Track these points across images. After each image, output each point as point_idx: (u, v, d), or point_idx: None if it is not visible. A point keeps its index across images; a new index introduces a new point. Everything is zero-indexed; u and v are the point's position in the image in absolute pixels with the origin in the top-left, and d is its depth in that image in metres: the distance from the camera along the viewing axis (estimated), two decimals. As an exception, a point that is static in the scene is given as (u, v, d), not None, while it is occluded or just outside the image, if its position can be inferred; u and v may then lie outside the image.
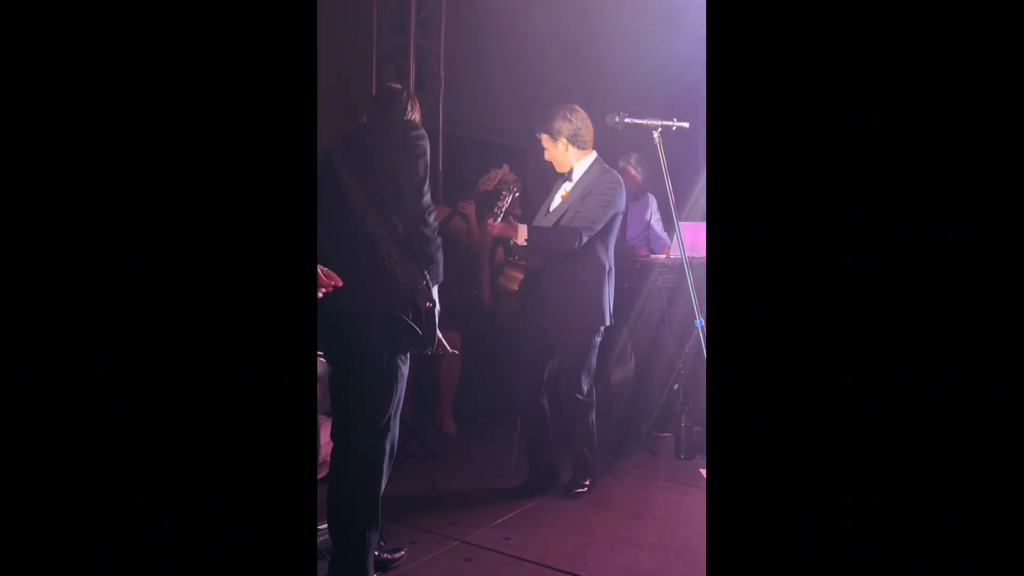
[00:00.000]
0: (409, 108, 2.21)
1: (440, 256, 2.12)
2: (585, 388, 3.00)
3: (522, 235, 2.83)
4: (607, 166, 3.04)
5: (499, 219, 2.86)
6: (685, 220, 3.85)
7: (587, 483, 3.11)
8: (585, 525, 2.80)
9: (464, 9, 4.65)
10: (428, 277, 2.06)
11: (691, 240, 3.46)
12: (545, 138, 2.98)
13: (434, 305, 2.05)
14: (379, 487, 2.11)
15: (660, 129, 2.26)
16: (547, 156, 3.03)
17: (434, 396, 4.11)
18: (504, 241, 3.10)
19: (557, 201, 3.02)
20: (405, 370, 2.14)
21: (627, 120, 2.27)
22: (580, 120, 2.96)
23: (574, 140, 2.96)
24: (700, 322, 2.20)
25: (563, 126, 2.95)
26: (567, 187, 3.01)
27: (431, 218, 2.09)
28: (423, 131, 2.14)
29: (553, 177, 3.16)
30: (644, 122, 2.26)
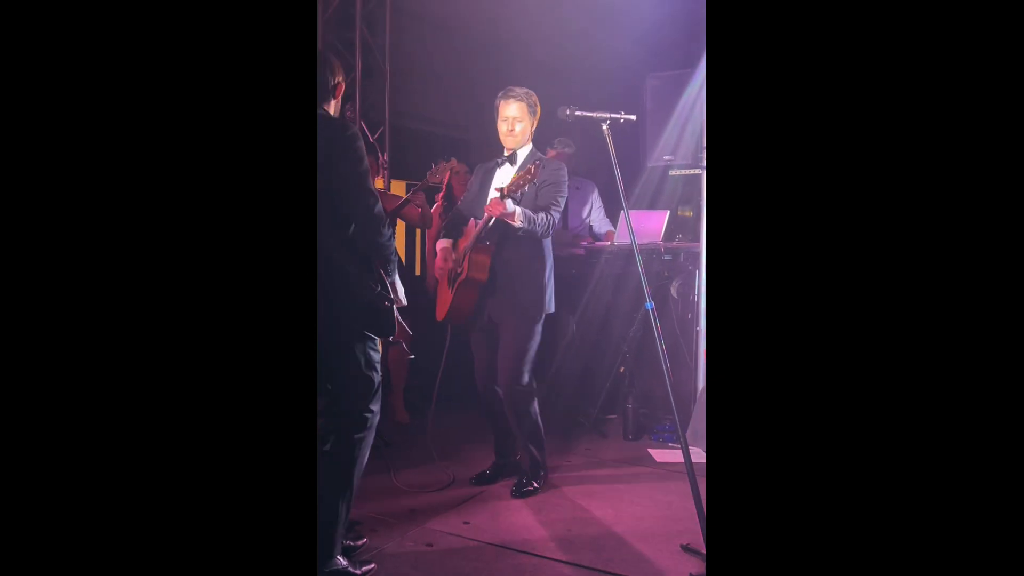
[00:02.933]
0: (332, 76, 2.20)
1: (395, 253, 2.20)
2: (526, 378, 2.93)
3: (519, 218, 2.72)
4: (545, 157, 3.00)
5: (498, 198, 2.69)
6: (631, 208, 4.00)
7: (535, 485, 3.02)
8: (542, 507, 2.88)
9: (408, 3, 4.65)
10: (384, 277, 2.13)
11: (637, 227, 3.55)
12: (523, 108, 2.87)
13: (392, 303, 2.14)
14: (355, 463, 2.19)
15: (608, 121, 2.34)
16: (511, 125, 2.89)
17: (385, 385, 4.12)
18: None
19: (502, 183, 2.89)
20: (377, 356, 2.23)
21: (577, 113, 2.34)
22: (539, 107, 2.93)
23: (534, 123, 2.93)
24: (651, 304, 2.29)
25: (536, 104, 2.90)
26: (510, 170, 2.94)
27: (385, 228, 2.13)
28: (356, 130, 2.14)
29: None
30: (593, 115, 2.34)
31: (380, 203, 2.14)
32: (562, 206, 2.92)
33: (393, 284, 2.21)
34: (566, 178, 2.94)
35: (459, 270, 2.90)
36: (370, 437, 2.23)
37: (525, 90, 2.90)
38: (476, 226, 2.86)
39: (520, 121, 2.88)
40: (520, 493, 2.97)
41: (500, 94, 2.92)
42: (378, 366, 2.24)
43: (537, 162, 2.73)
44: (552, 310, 2.97)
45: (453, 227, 3.07)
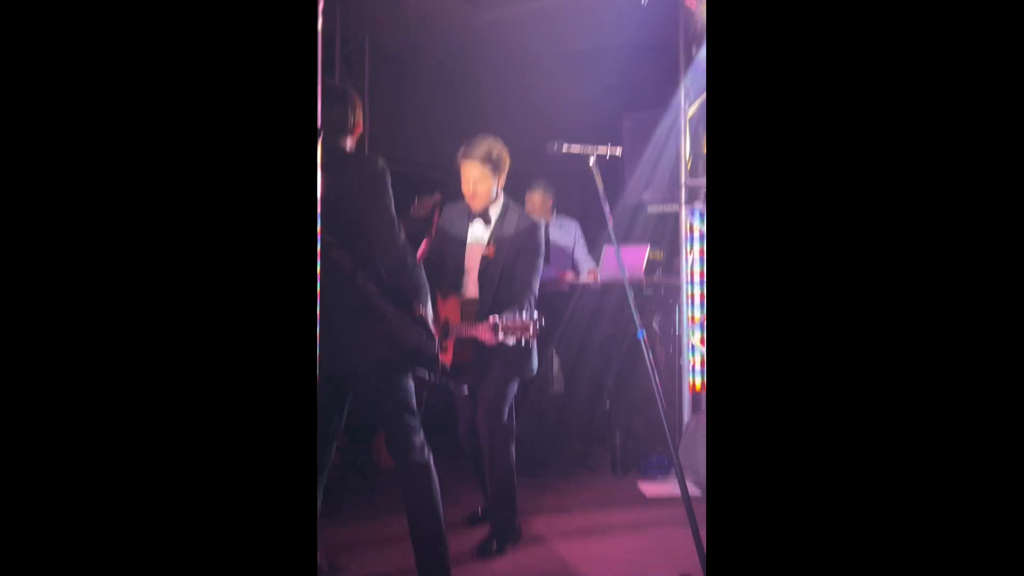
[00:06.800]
0: (353, 112, 2.20)
1: (425, 280, 2.18)
2: (505, 417, 2.79)
3: (512, 340, 2.50)
4: (519, 207, 2.85)
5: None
6: (607, 243, 4.05)
7: (495, 546, 2.74)
8: (538, 545, 2.85)
9: (386, 46, 4.73)
10: (424, 314, 2.12)
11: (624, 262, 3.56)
12: (483, 171, 2.69)
13: (439, 350, 2.13)
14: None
15: (595, 156, 2.39)
16: (472, 188, 2.72)
17: (369, 430, 4.06)
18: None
19: (474, 254, 2.76)
20: (412, 384, 2.22)
21: (565, 148, 2.38)
22: (507, 156, 2.75)
23: (502, 178, 2.75)
24: (642, 333, 2.32)
25: (501, 157, 2.72)
26: (483, 228, 2.78)
27: (411, 258, 2.12)
28: (384, 164, 2.13)
29: None
30: (580, 149, 2.39)
31: (404, 234, 2.13)
32: (541, 270, 2.78)
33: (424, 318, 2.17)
34: (543, 240, 2.78)
35: (443, 347, 2.70)
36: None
37: (487, 145, 2.70)
38: (461, 327, 2.64)
39: (482, 183, 2.70)
40: (483, 553, 2.72)
41: (460, 152, 2.73)
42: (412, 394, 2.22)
43: (535, 319, 2.51)
44: (535, 372, 2.86)
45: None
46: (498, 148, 2.74)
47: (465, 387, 2.19)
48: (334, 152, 2.15)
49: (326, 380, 2.10)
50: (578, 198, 4.58)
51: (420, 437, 2.20)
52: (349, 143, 2.22)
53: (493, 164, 2.71)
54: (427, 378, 2.18)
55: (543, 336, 2.68)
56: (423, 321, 2.12)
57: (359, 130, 2.23)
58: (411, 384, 2.21)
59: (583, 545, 2.83)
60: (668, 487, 3.49)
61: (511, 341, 2.50)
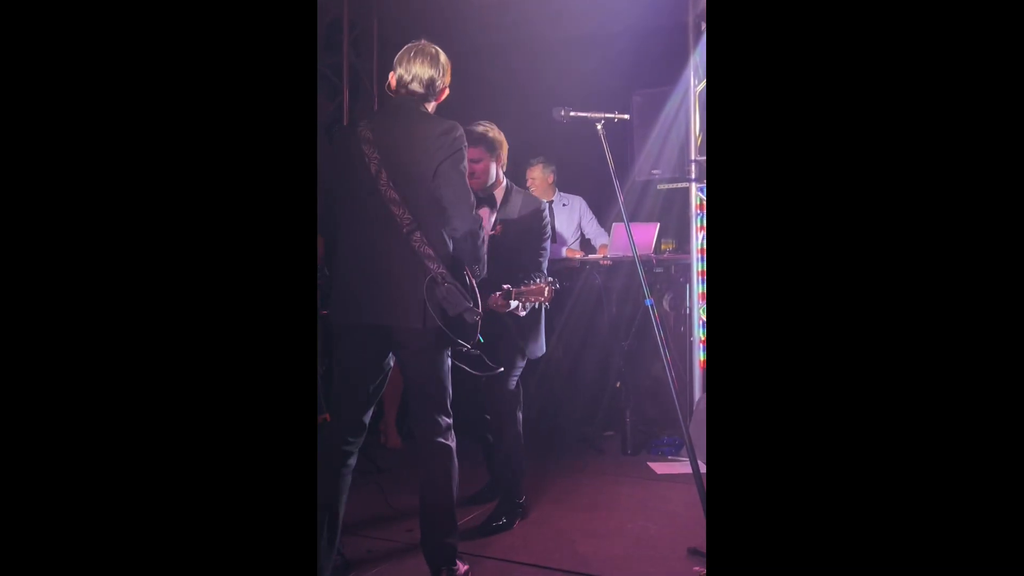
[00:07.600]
0: (442, 76, 2.17)
1: (485, 253, 2.16)
2: (512, 384, 2.78)
3: (522, 310, 2.51)
4: (522, 189, 2.85)
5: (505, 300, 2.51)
6: (616, 220, 3.99)
7: (503, 520, 2.73)
8: (545, 521, 2.81)
9: (395, 27, 4.68)
10: (474, 283, 2.10)
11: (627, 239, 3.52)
12: (479, 151, 2.64)
13: (481, 317, 2.09)
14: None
15: (603, 121, 2.35)
16: (468, 171, 2.60)
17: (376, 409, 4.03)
18: None
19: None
20: (449, 363, 2.19)
21: (572, 114, 2.34)
22: (503, 139, 2.71)
23: (501, 162, 2.73)
24: (650, 301, 2.28)
25: (496, 139, 2.69)
26: (486, 213, 2.70)
27: (481, 231, 2.11)
28: (461, 131, 2.11)
29: None
30: (588, 115, 2.34)
31: (475, 205, 2.12)
32: (549, 250, 2.82)
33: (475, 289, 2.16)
34: (548, 218, 2.80)
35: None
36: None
37: (483, 128, 2.68)
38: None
39: (478, 162, 2.66)
40: (488, 530, 2.69)
41: None
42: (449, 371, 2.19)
43: (549, 281, 2.53)
44: (542, 352, 2.85)
45: None
46: (494, 131, 2.73)
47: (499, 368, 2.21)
48: (412, 111, 2.14)
49: (367, 330, 2.10)
50: (583, 175, 4.52)
51: (450, 420, 2.18)
52: (431, 106, 2.20)
53: (487, 145, 2.69)
54: (463, 351, 2.13)
55: (551, 318, 2.65)
56: (472, 289, 2.10)
57: (444, 95, 2.21)
58: (450, 365, 2.18)
59: (592, 520, 2.80)
60: (679, 465, 3.45)
61: (523, 312, 2.46)
